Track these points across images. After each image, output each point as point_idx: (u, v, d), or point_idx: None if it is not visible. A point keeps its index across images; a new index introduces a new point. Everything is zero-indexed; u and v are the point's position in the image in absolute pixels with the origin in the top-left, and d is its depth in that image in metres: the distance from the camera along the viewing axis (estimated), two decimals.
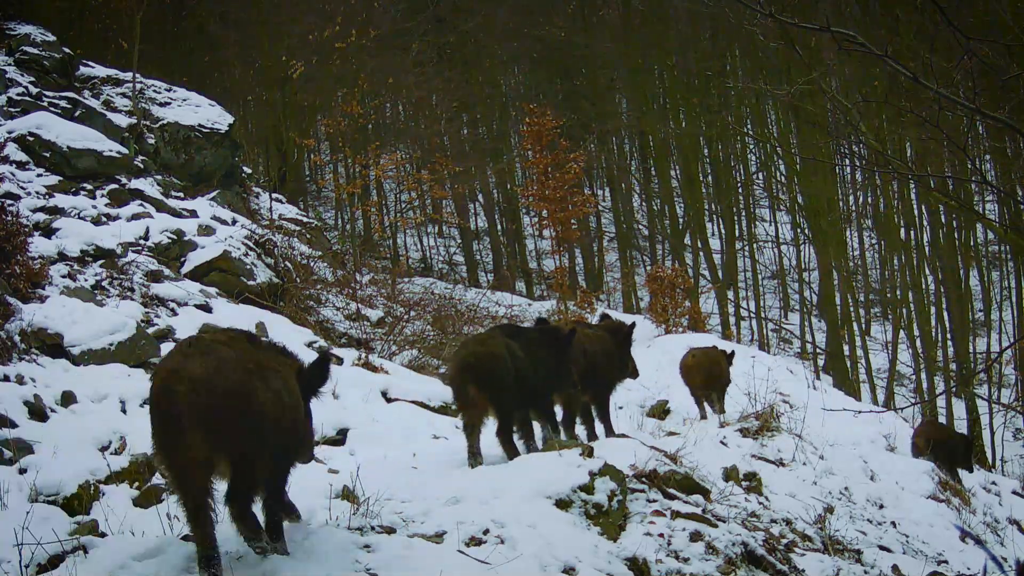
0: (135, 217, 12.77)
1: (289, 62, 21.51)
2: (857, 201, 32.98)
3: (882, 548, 6.57)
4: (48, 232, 11.46)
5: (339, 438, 8.82)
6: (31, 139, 12.80)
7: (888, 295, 28.47)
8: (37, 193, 12.16)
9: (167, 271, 12.08)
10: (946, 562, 6.90)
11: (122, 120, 15.17)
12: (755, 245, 31.11)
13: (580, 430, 7.49)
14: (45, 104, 13.93)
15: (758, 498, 6.60)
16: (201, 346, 3.84)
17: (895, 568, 6.14)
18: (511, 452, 6.24)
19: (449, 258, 33.67)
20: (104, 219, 12.41)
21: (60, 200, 12.19)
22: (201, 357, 3.72)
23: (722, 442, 7.94)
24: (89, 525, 5.32)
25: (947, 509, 8.46)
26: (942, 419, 22.21)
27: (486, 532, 4.61)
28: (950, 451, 10.39)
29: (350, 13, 22.89)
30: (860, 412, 8.98)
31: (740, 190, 33.00)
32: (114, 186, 13.27)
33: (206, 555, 3.72)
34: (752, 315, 29.49)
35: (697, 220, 30.24)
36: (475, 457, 6.19)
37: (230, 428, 3.69)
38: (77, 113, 14.25)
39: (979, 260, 28.72)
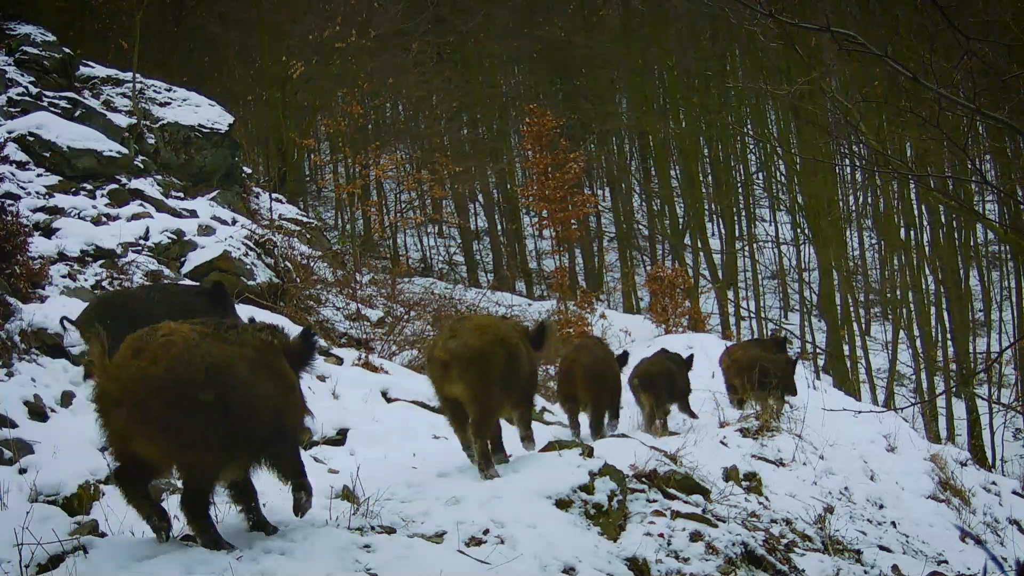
0: (135, 217, 12.77)
1: (289, 62, 21.51)
2: (857, 201, 32.98)
3: (882, 548, 6.57)
4: (48, 232, 11.45)
5: (339, 438, 8.81)
6: (31, 139, 12.80)
7: (888, 295, 28.47)
8: (37, 193, 12.15)
9: (167, 271, 12.08)
10: (946, 562, 6.90)
11: (122, 120, 15.17)
12: (755, 245, 31.11)
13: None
14: (45, 104, 13.93)
15: (758, 498, 6.61)
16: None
17: (895, 568, 6.14)
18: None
19: (449, 258, 33.67)
20: (104, 219, 12.41)
21: (60, 200, 12.19)
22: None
23: (722, 442, 7.94)
24: (89, 525, 5.31)
25: (947, 509, 8.46)
26: (942, 419, 22.24)
27: (486, 532, 4.61)
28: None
29: (350, 13, 22.89)
30: (860, 412, 8.99)
31: (740, 190, 33.00)
32: (114, 186, 13.27)
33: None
34: (752, 315, 29.49)
35: (697, 220, 30.23)
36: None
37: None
38: (77, 113, 14.25)
39: (979, 260, 28.72)
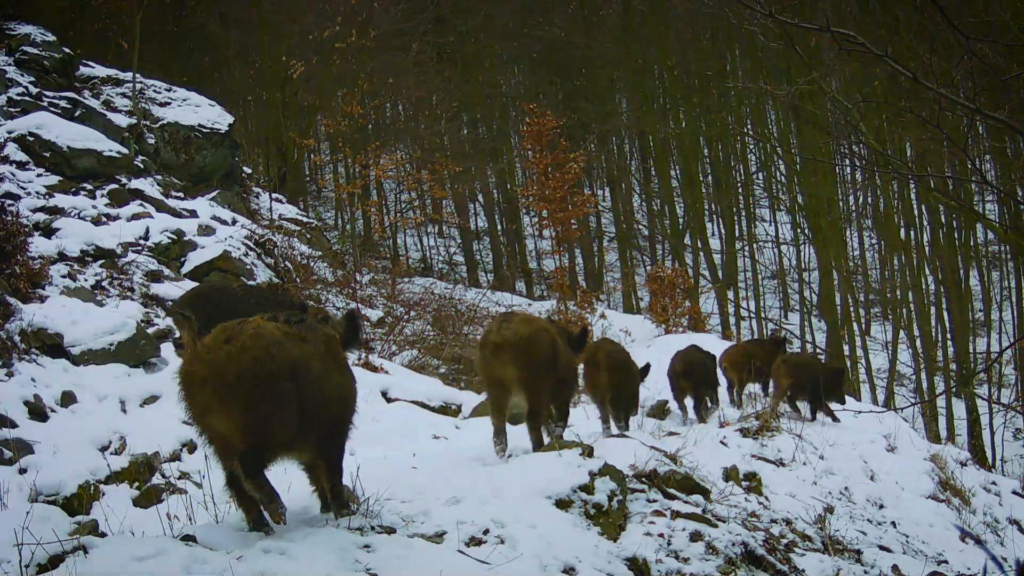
0: (135, 217, 12.78)
1: (289, 62, 21.53)
2: (857, 201, 32.97)
3: (882, 548, 6.57)
4: (48, 232, 11.46)
5: None
6: (31, 139, 12.80)
7: (888, 295, 28.46)
8: (37, 193, 12.16)
9: (167, 271, 12.09)
10: (946, 562, 6.90)
11: (122, 120, 15.17)
12: (755, 245, 31.10)
13: None
14: (45, 104, 13.94)
15: (758, 498, 6.61)
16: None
17: (895, 568, 6.14)
18: None
19: (449, 258, 33.67)
20: (104, 219, 12.42)
21: (60, 200, 12.19)
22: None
23: (722, 442, 7.94)
24: (89, 525, 5.32)
25: (947, 509, 8.45)
26: (942, 419, 22.24)
27: (486, 532, 4.61)
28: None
29: (350, 13, 22.90)
30: (860, 412, 8.98)
31: (740, 190, 32.98)
32: (114, 186, 13.28)
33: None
34: (752, 315, 29.49)
35: (697, 220, 30.23)
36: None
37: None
38: (77, 113, 14.26)
39: (979, 260, 28.70)
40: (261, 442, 3.99)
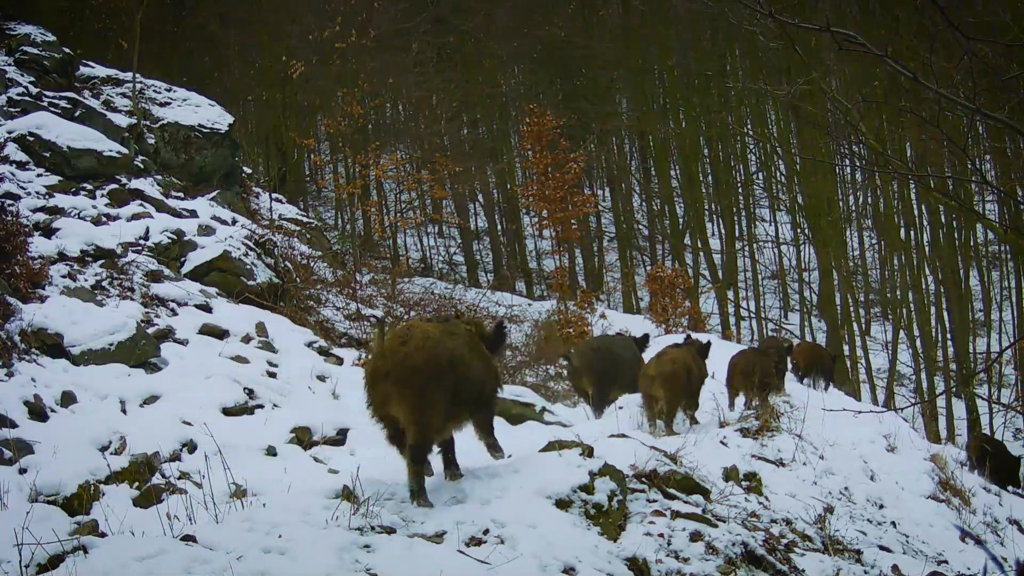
0: (135, 217, 12.77)
1: (289, 62, 21.52)
2: (857, 201, 32.96)
3: (882, 548, 6.57)
4: (48, 232, 11.46)
5: (339, 438, 8.82)
6: (31, 139, 12.80)
7: (888, 295, 28.46)
8: (37, 193, 12.16)
9: (167, 271, 12.08)
10: (946, 562, 6.89)
11: (122, 120, 15.17)
12: (755, 245, 31.10)
13: None
14: (45, 104, 13.93)
15: (758, 498, 6.60)
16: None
17: (895, 568, 6.14)
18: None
19: (449, 258, 33.67)
20: (104, 219, 12.42)
21: (60, 200, 12.19)
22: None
23: (722, 442, 7.93)
24: (89, 525, 5.32)
25: (947, 509, 8.45)
26: (942, 419, 22.24)
27: (486, 532, 4.61)
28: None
29: (350, 13, 22.90)
30: (860, 412, 8.98)
31: (740, 190, 32.98)
32: (114, 186, 13.27)
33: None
34: (752, 315, 29.49)
35: (697, 220, 30.23)
36: None
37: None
38: (77, 113, 14.25)
39: (979, 260, 28.70)
40: (425, 434, 4.88)
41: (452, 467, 5.41)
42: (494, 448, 5.53)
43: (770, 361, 10.38)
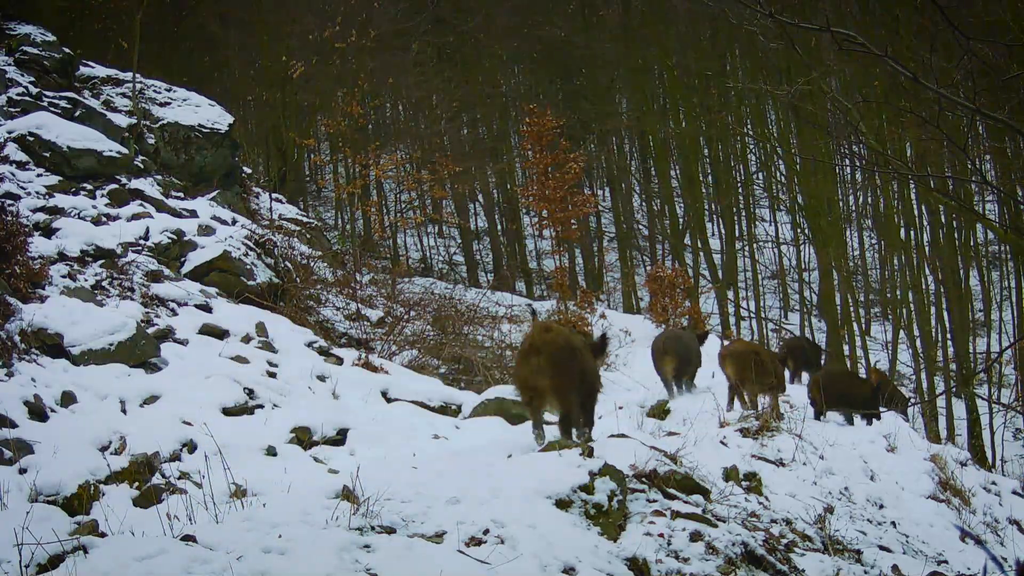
0: (135, 217, 12.77)
1: (289, 62, 21.52)
2: (857, 201, 32.96)
3: (882, 548, 6.56)
4: (48, 232, 11.46)
5: (339, 438, 8.83)
6: (31, 139, 12.80)
7: (888, 295, 28.46)
8: (37, 193, 12.16)
9: (167, 271, 12.08)
10: (946, 562, 6.89)
11: (122, 120, 15.17)
12: (755, 245, 31.09)
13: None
14: (45, 104, 13.93)
15: (758, 498, 6.60)
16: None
17: (895, 568, 6.14)
18: None
19: (449, 258, 33.67)
20: (104, 219, 12.42)
21: (60, 200, 12.19)
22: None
23: (722, 442, 7.94)
24: (89, 525, 5.32)
25: (947, 509, 8.45)
26: (942, 419, 22.24)
27: (486, 532, 4.61)
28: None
29: (350, 13, 22.89)
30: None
31: (740, 190, 32.97)
32: (114, 186, 13.27)
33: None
34: (752, 315, 29.49)
35: (697, 220, 30.23)
36: None
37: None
38: (77, 113, 14.25)
39: (979, 260, 28.70)
40: (560, 393, 6.39)
41: (567, 435, 6.55)
42: (587, 435, 6.77)
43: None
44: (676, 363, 11.07)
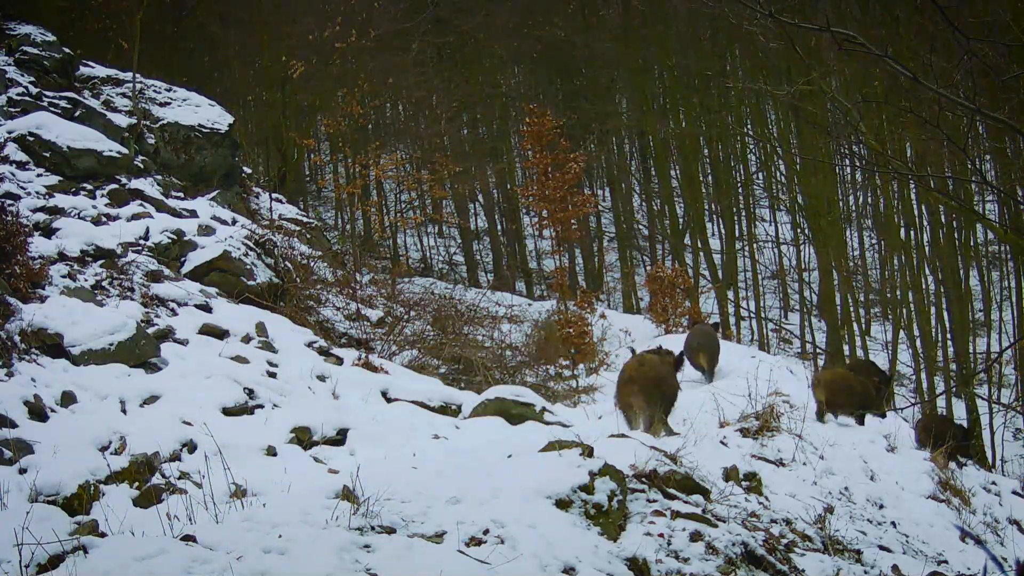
0: (135, 217, 12.77)
1: (289, 62, 21.50)
2: (857, 201, 32.96)
3: (882, 548, 6.57)
4: (48, 232, 11.46)
5: (339, 438, 8.82)
6: (31, 139, 12.80)
7: (888, 295, 28.45)
8: (37, 193, 12.15)
9: (167, 271, 12.08)
10: (946, 562, 6.90)
11: (122, 120, 15.16)
12: (755, 245, 31.09)
13: None
14: (45, 104, 13.93)
15: (758, 498, 6.60)
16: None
17: (895, 568, 6.14)
18: None
19: (449, 258, 33.67)
20: (104, 219, 12.41)
21: (60, 200, 12.19)
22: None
23: (722, 442, 7.94)
24: (89, 525, 5.31)
25: (947, 509, 8.46)
26: None
27: (486, 532, 4.61)
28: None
29: (350, 13, 22.88)
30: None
31: (740, 190, 32.97)
32: (114, 186, 13.27)
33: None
34: (752, 315, 29.49)
35: (697, 220, 30.23)
36: None
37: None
38: (77, 113, 14.25)
39: (979, 260, 28.69)
40: (648, 410, 8.54)
41: (652, 429, 8.50)
42: (670, 429, 8.59)
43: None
44: (708, 357, 12.88)
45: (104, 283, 10.96)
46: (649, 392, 8.68)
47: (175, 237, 12.73)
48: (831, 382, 10.48)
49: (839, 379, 10.65)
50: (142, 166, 14.58)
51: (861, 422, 10.39)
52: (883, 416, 10.94)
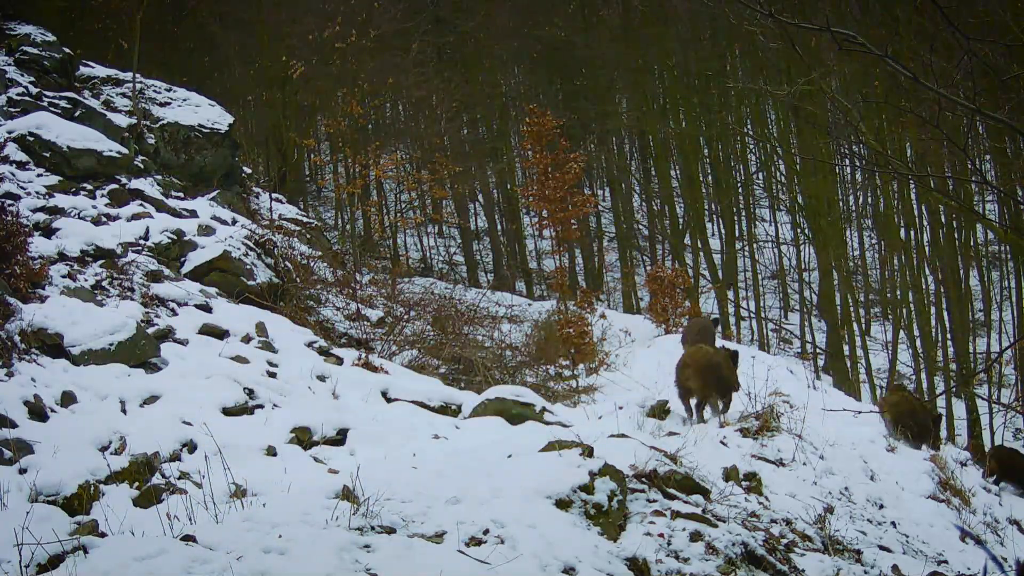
0: (135, 217, 12.77)
1: (289, 62, 21.49)
2: (857, 201, 32.97)
3: (882, 548, 6.57)
4: (48, 232, 11.45)
5: (339, 438, 8.82)
6: (31, 139, 12.79)
7: (888, 295, 28.46)
8: (37, 193, 12.15)
9: (167, 271, 12.08)
10: (946, 562, 6.90)
11: (122, 120, 15.16)
12: (755, 245, 31.10)
13: None
14: (45, 104, 13.92)
15: (758, 498, 6.61)
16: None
17: (895, 568, 6.14)
18: None
19: (449, 258, 33.67)
20: (104, 219, 12.41)
21: (60, 200, 12.18)
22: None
23: (722, 442, 7.94)
24: (89, 525, 5.31)
25: (947, 509, 8.46)
26: (942, 419, 22.23)
27: (486, 532, 4.61)
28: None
29: (350, 13, 22.87)
30: (860, 412, 8.99)
31: (740, 190, 32.99)
32: (114, 186, 13.27)
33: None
34: (752, 315, 29.50)
35: (697, 220, 30.23)
36: None
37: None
38: (77, 113, 14.24)
39: (979, 260, 28.71)
40: (704, 394, 9.45)
41: (700, 412, 9.52)
42: (724, 418, 9.34)
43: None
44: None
45: (104, 283, 10.96)
46: (704, 375, 9.42)
47: (175, 237, 12.73)
48: (896, 404, 11.21)
49: (904, 403, 11.33)
50: (142, 166, 14.58)
51: (918, 446, 10.52)
52: (936, 450, 10.78)
